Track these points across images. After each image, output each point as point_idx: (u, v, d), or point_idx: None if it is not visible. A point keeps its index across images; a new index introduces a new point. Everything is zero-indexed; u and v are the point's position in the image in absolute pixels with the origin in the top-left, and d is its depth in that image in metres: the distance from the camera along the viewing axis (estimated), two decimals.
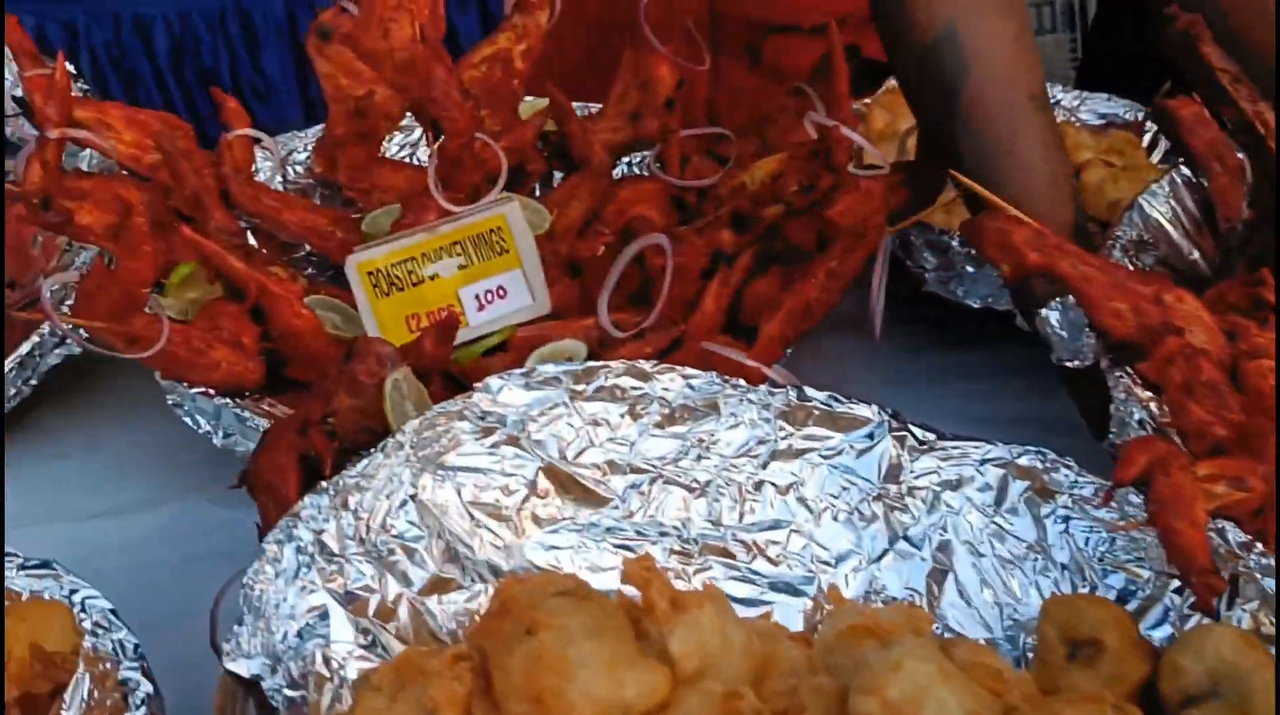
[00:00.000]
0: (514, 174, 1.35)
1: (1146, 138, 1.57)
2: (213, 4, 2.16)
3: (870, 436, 0.93)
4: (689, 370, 0.92)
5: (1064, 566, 0.89)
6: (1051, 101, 1.59)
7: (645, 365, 0.91)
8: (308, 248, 1.36)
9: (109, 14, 2.28)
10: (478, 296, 1.18)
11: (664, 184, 1.29)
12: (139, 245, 1.04)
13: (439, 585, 0.81)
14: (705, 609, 0.67)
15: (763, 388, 0.93)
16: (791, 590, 0.90)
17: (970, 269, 1.21)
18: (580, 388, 0.89)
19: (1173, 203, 1.06)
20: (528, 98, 1.47)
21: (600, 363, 0.90)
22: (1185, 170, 1.08)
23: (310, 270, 1.37)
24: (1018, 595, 0.89)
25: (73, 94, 1.25)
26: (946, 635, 0.87)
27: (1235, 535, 0.79)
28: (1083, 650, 0.80)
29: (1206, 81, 1.00)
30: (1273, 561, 0.78)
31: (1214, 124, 1.06)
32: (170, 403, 1.08)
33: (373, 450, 0.82)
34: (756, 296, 1.09)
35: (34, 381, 1.16)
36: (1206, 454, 0.82)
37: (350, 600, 0.75)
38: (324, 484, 0.79)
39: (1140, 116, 1.58)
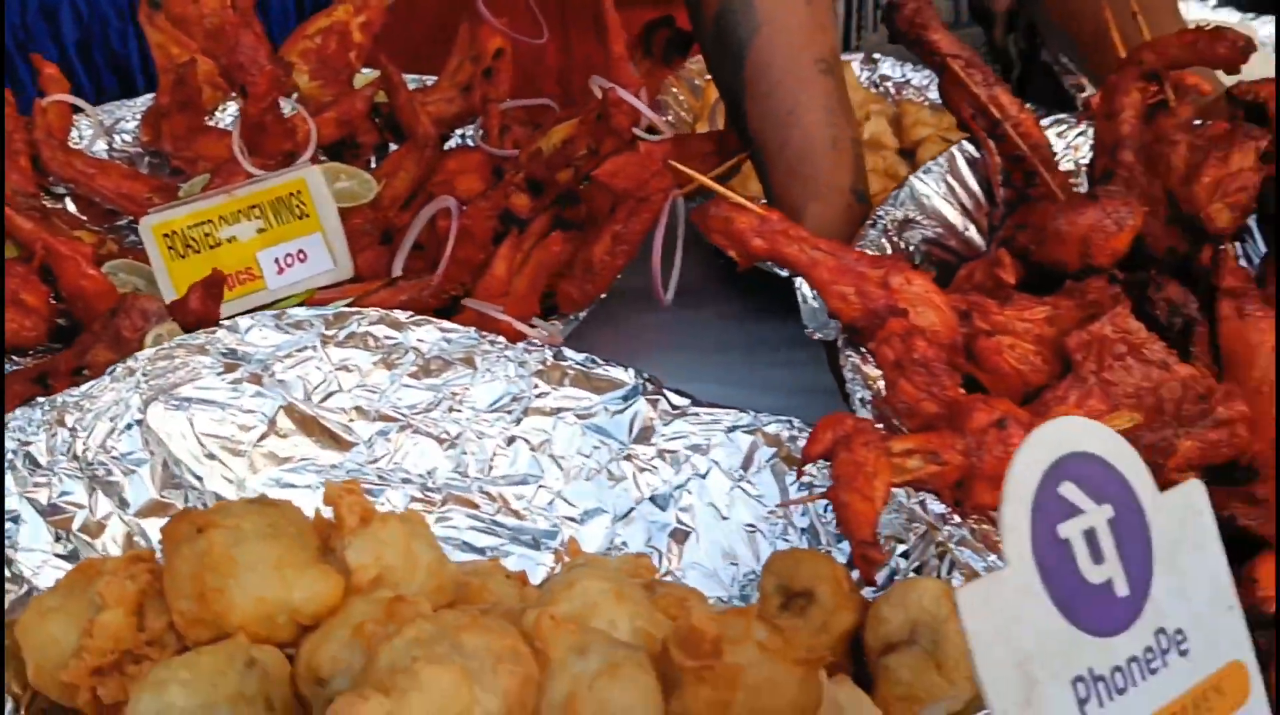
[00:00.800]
0: (346, 144, 1.36)
1: None
2: None
3: (624, 399, 0.94)
4: (446, 323, 0.93)
5: (804, 531, 0.90)
6: (902, 80, 1.65)
7: (401, 315, 0.91)
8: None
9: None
10: (277, 259, 1.18)
11: (486, 154, 1.31)
12: None
13: (158, 509, 0.80)
14: (390, 525, 0.67)
15: (521, 346, 0.94)
16: (534, 543, 0.90)
17: None
18: (331, 333, 0.90)
19: (949, 179, 1.08)
20: (365, 69, 1.49)
21: (354, 309, 0.90)
22: (967, 146, 1.10)
23: (131, 238, 1.36)
24: (757, 557, 0.90)
25: None
26: None
27: (935, 506, 0.81)
28: (796, 601, 0.81)
29: (938, 68, 1.02)
30: (967, 531, 0.80)
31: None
32: None
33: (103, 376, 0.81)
34: (541, 246, 1.10)
35: None
36: (918, 429, 0.84)
37: (52, 512, 0.74)
38: (41, 400, 0.78)
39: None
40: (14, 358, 1.09)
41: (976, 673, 0.48)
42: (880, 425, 0.86)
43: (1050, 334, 0.93)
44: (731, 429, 0.94)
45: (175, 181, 1.35)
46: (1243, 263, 1.10)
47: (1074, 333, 0.91)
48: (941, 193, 1.08)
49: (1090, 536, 0.53)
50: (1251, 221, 1.11)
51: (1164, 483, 0.89)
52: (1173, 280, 0.96)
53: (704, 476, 0.93)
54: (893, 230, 1.03)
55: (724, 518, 0.92)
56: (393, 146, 1.47)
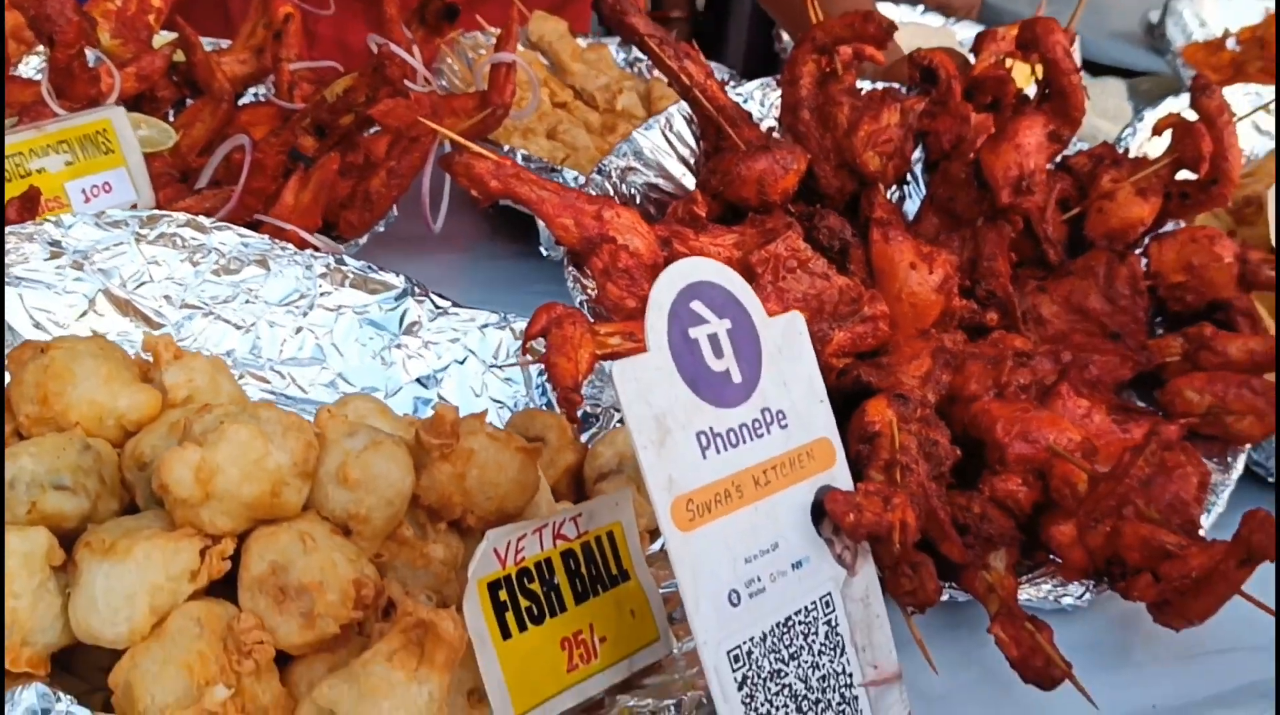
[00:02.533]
0: (147, 99, 1.51)
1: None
2: None
3: (396, 299, 1.14)
4: (244, 229, 1.10)
5: (547, 404, 1.12)
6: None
7: (205, 221, 1.08)
8: None
9: None
10: (84, 190, 1.31)
11: (277, 107, 1.48)
12: None
13: None
14: (199, 359, 0.85)
15: (308, 252, 1.13)
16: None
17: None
18: (144, 232, 1.06)
19: (667, 134, 1.31)
20: (165, 32, 1.63)
21: (165, 212, 1.07)
22: (684, 106, 1.34)
23: None
24: (500, 423, 1.11)
25: None
26: None
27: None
28: (531, 443, 1.02)
29: (642, 47, 1.26)
30: None
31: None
32: None
33: None
34: (327, 178, 1.28)
35: None
36: (625, 319, 1.06)
37: None
38: None
39: (726, 77, 1.88)
40: None
41: (626, 418, 0.70)
42: (593, 319, 1.08)
43: (738, 255, 1.17)
44: (485, 326, 1.15)
45: None
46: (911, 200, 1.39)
47: (755, 252, 1.16)
48: (660, 145, 1.31)
49: (714, 339, 0.76)
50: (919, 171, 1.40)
51: (824, 366, 1.16)
52: (832, 212, 1.22)
53: (462, 363, 1.13)
54: (615, 177, 1.26)
55: (478, 396, 1.12)
56: (190, 102, 1.61)
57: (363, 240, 1.33)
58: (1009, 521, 1.07)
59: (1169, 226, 1.33)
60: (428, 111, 1.28)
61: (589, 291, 1.10)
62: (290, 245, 1.12)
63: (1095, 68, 2.28)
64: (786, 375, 0.81)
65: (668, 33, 1.23)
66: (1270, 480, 1.25)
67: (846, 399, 1.08)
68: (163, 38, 1.65)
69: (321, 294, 1.12)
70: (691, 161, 1.33)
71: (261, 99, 1.63)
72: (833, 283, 1.18)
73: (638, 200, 1.28)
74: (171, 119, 1.60)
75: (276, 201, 1.30)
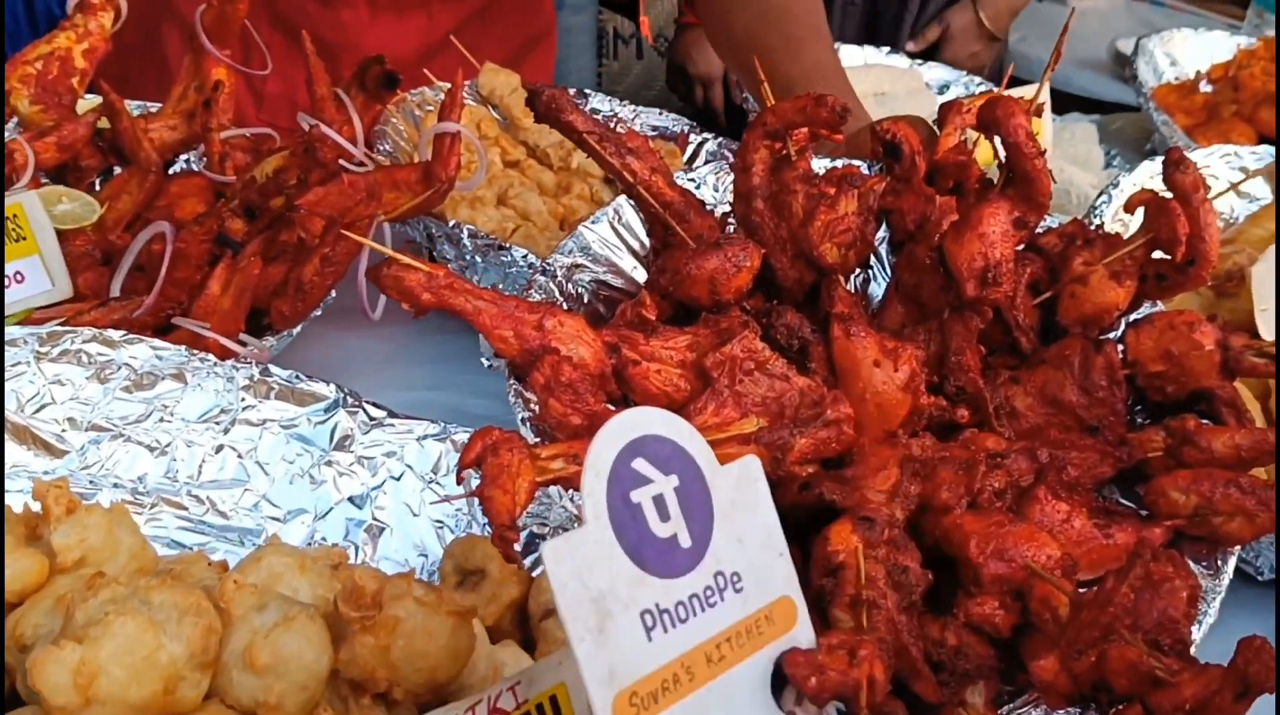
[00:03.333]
0: (70, 169, 1.42)
1: (689, 149, 1.82)
2: None
3: (326, 411, 1.06)
4: (157, 342, 1.02)
5: (485, 525, 1.04)
6: (611, 114, 1.83)
7: (114, 334, 1.00)
8: None
9: None
10: None
11: (208, 179, 1.39)
12: None
13: None
14: (94, 513, 0.77)
15: (229, 362, 1.04)
16: (239, 540, 1.00)
17: (479, 260, 1.37)
18: (45, 349, 0.97)
19: (616, 226, 1.25)
20: (89, 96, 1.54)
21: (68, 328, 0.98)
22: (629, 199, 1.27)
23: None
24: (439, 546, 1.03)
25: None
26: None
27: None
28: (470, 578, 0.95)
29: (581, 143, 1.19)
30: None
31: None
32: None
33: None
34: (248, 281, 1.20)
35: None
36: (569, 438, 0.99)
37: None
38: None
39: (685, 129, 1.83)
40: None
41: (558, 605, 0.63)
42: (539, 439, 1.01)
43: (692, 358, 1.10)
44: (423, 437, 1.07)
45: None
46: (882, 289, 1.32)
47: (710, 354, 1.09)
48: (609, 239, 1.24)
49: (659, 501, 0.69)
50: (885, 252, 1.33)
51: (786, 474, 1.09)
52: (789, 308, 1.15)
53: (398, 479, 1.05)
54: (561, 276, 1.19)
55: (415, 515, 1.04)
56: (117, 170, 1.53)
57: (296, 330, 1.25)
58: (986, 649, 1.00)
59: (1145, 308, 1.27)
60: (362, 196, 1.21)
61: (531, 406, 1.03)
62: (210, 355, 1.04)
63: (1063, 97, 2.23)
64: (741, 530, 0.74)
65: (607, 127, 1.16)
66: (1260, 578, 1.19)
67: (810, 516, 1.01)
68: (87, 102, 1.56)
69: (244, 408, 1.03)
70: (644, 254, 1.26)
71: (194, 165, 1.55)
72: (793, 384, 1.10)
73: (586, 300, 1.21)
74: (97, 188, 1.51)
75: (201, 293, 1.22)
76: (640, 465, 0.68)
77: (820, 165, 1.30)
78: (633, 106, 1.85)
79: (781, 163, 1.20)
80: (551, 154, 1.71)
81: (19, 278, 1.24)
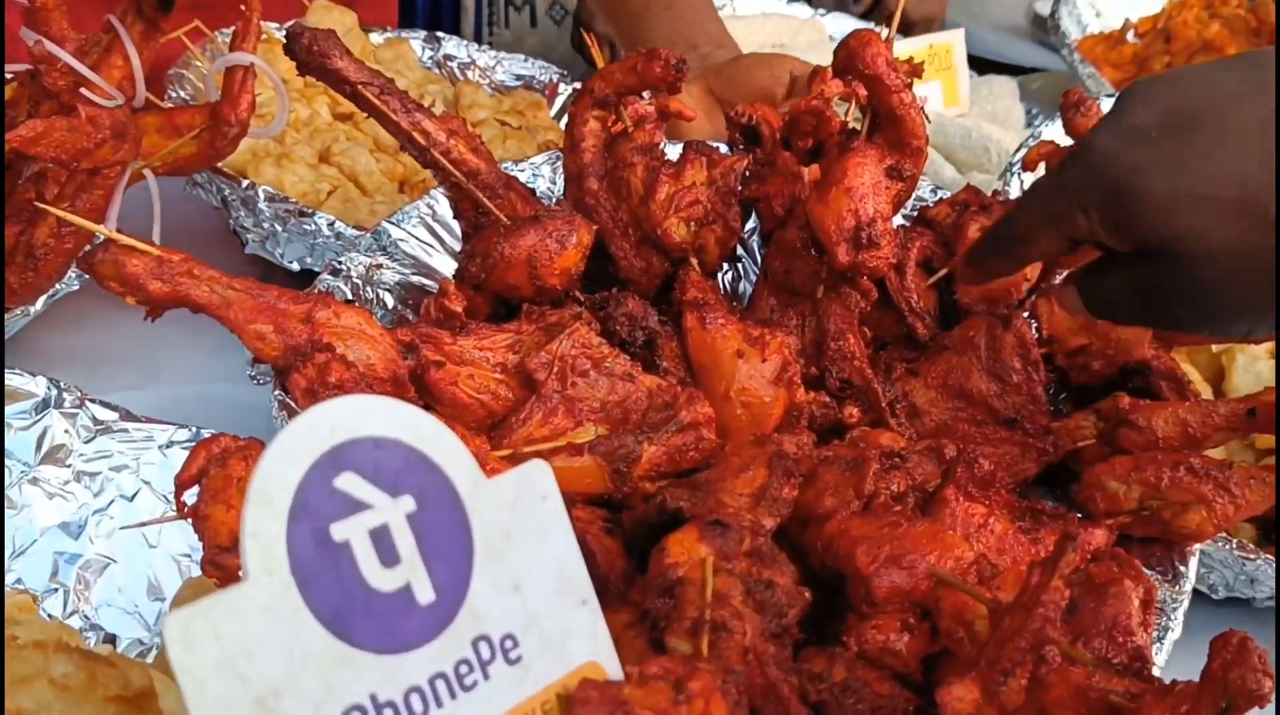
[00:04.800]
0: None
1: (559, 101, 1.59)
2: None
3: (35, 412, 0.82)
4: None
5: None
6: (467, 60, 1.60)
7: None
8: None
9: None
10: None
11: None
12: None
13: None
14: None
15: None
16: None
17: (279, 228, 1.14)
18: None
19: (430, 222, 1.04)
20: None
21: None
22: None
23: None
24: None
25: None
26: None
27: None
28: None
29: (358, 100, 0.95)
30: None
31: None
32: None
33: None
34: None
35: None
36: None
37: None
38: None
39: (554, 78, 1.60)
40: None
41: (189, 711, 0.40)
42: None
43: (514, 360, 0.88)
44: (168, 445, 0.83)
45: None
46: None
47: (534, 354, 0.87)
48: (421, 237, 1.03)
49: (380, 535, 0.46)
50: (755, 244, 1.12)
51: (635, 490, 0.87)
52: (630, 295, 0.94)
53: (131, 500, 0.82)
54: (357, 277, 0.97)
55: (152, 546, 0.81)
56: None
57: (35, 308, 1.00)
58: (887, 685, 0.78)
59: (1058, 278, 1.06)
60: (105, 135, 0.95)
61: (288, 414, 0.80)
62: None
63: (981, 64, 2.04)
64: (519, 571, 0.51)
65: (387, 79, 0.93)
66: (1215, 596, 1.00)
67: (656, 534, 0.79)
68: None
69: None
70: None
71: None
72: (639, 384, 0.89)
73: (390, 305, 0.98)
74: None
75: None
76: (349, 483, 0.46)
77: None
78: (494, 52, 1.62)
79: (617, 137, 0.99)
80: None
81: None
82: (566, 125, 1.05)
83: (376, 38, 1.57)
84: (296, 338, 0.82)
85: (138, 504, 0.82)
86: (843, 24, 1.99)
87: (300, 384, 0.80)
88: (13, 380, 0.82)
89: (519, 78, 1.62)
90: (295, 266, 1.16)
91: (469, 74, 1.61)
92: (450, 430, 0.49)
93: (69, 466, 0.81)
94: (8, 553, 0.78)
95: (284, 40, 0.92)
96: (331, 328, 0.84)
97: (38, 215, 0.98)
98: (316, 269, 1.15)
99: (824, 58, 1.82)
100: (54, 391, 0.82)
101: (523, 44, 3.03)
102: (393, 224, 1.03)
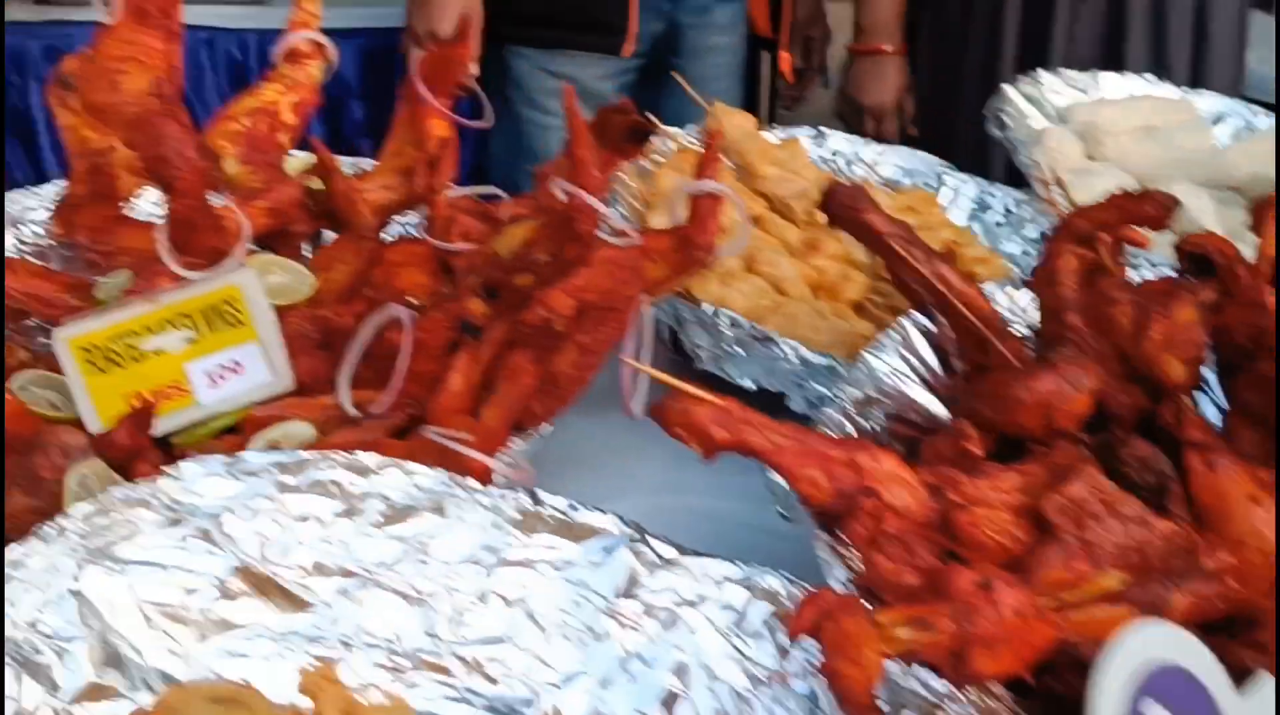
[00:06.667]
0: (279, 235, 1.27)
1: (947, 193, 1.60)
2: (21, 43, 2.05)
3: (607, 549, 0.88)
4: (414, 466, 0.85)
5: (804, 696, 0.84)
6: (853, 156, 1.63)
7: (367, 459, 0.83)
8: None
9: None
10: (209, 373, 1.08)
11: (430, 247, 1.23)
12: None
13: (93, 693, 0.70)
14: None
15: (495, 491, 0.87)
16: (511, 712, 0.82)
17: (740, 351, 1.19)
18: (290, 480, 0.81)
19: (903, 352, 1.05)
20: (298, 153, 1.40)
21: (317, 453, 0.82)
22: (918, 316, 1.07)
23: (41, 338, 1.24)
24: None
25: None
26: None
27: (935, 684, 0.77)
28: None
29: (880, 249, 1.00)
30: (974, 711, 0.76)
31: None
32: None
33: (29, 536, 0.71)
34: (510, 373, 1.03)
35: None
36: (903, 601, 0.80)
37: None
38: None
39: (938, 171, 1.61)
40: None
41: None
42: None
43: (1025, 502, 0.90)
44: (722, 582, 0.88)
45: (89, 278, 1.24)
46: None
47: (1049, 497, 0.88)
48: (899, 368, 1.05)
49: None
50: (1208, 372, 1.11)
51: None
52: (1137, 437, 0.94)
53: (694, 633, 0.86)
54: (854, 411, 1.00)
55: (716, 679, 0.85)
56: (327, 234, 1.38)
57: (546, 429, 1.08)
58: None
59: None
60: (628, 275, 1.02)
61: (850, 563, 0.84)
62: (470, 480, 0.86)
63: None
64: None
65: (910, 228, 0.97)
66: None
67: None
68: (295, 159, 1.42)
69: (513, 545, 0.86)
70: (935, 384, 1.07)
71: (409, 230, 1.39)
72: (1155, 530, 0.89)
73: (882, 442, 1.02)
74: (304, 253, 1.37)
75: (441, 388, 1.05)
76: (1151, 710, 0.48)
77: None
78: (877, 146, 1.64)
79: (1095, 271, 0.99)
80: (795, 206, 1.51)
81: (235, 368, 1.09)
82: (1042, 258, 1.06)
83: (771, 137, 1.61)
84: (844, 483, 0.86)
85: (699, 638, 0.86)
86: (1211, 103, 1.93)
87: (860, 534, 0.84)
88: (584, 515, 0.88)
89: (905, 171, 1.64)
90: (750, 385, 1.20)
91: (855, 169, 1.64)
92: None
93: (639, 600, 0.86)
94: (594, 683, 0.83)
95: (822, 194, 0.96)
96: (873, 473, 0.88)
97: (558, 343, 1.05)
98: (772, 389, 1.19)
99: (1197, 137, 1.77)
100: (623, 528, 0.88)
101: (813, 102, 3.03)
102: (872, 356, 1.06)
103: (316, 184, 1.34)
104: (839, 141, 1.65)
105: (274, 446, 0.99)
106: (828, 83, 2.67)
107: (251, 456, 0.80)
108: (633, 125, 1.24)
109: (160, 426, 1.02)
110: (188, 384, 1.07)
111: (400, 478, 0.84)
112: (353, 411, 1.03)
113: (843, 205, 0.96)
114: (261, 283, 1.10)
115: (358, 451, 0.83)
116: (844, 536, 0.87)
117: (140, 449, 0.90)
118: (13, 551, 0.70)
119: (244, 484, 0.79)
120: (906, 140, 2.68)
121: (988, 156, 2.06)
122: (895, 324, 1.08)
